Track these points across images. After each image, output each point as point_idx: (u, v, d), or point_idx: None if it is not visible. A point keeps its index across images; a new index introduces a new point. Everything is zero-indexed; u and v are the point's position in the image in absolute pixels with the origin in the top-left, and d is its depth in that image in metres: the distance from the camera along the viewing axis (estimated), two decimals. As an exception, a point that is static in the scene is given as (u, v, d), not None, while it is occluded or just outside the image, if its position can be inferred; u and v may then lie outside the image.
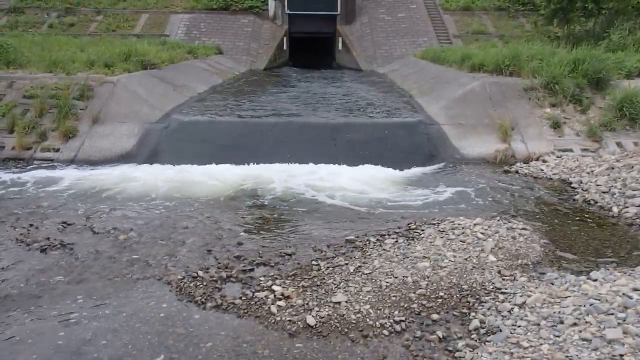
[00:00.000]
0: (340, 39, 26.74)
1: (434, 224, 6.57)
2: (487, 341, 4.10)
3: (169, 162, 9.60)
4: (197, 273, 5.37)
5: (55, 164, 9.60)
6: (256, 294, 4.95)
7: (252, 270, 5.46)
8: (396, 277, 5.10)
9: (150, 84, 12.70)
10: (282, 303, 4.77)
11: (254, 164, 9.47)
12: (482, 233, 6.07)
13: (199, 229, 6.60)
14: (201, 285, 5.14)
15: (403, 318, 4.52)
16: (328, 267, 5.43)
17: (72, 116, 10.53)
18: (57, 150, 9.97)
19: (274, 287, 5.04)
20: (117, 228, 6.55)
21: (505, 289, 4.88)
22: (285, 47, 26.81)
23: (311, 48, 29.73)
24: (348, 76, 20.83)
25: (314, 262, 5.58)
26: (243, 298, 4.90)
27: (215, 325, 4.51)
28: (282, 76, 20.97)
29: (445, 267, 5.29)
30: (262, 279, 5.25)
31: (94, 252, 5.92)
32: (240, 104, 12.94)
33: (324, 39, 28.62)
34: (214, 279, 5.26)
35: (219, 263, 5.61)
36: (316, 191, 8.17)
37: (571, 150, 10.02)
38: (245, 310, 4.71)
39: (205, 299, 4.89)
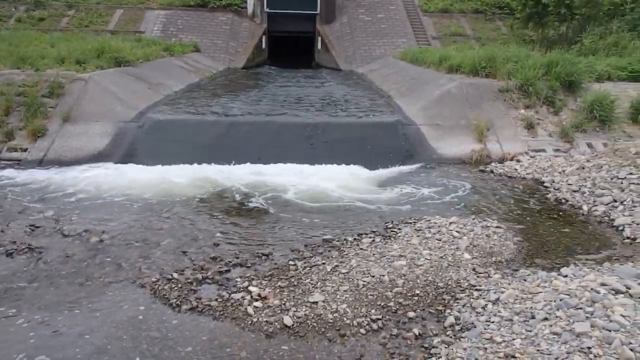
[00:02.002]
0: (319, 38, 26.80)
1: (411, 223, 6.66)
2: (462, 337, 4.19)
3: (143, 162, 9.53)
4: (172, 275, 5.33)
5: (23, 164, 9.39)
6: (232, 295, 4.95)
7: (228, 271, 5.46)
8: (373, 276, 5.16)
9: (125, 81, 12.55)
10: (259, 304, 4.78)
11: (230, 163, 9.45)
12: (457, 231, 6.20)
13: (174, 230, 6.56)
14: (176, 288, 5.10)
15: (380, 316, 4.58)
16: (305, 267, 5.46)
17: (41, 114, 10.28)
18: (25, 150, 9.72)
19: (251, 288, 5.04)
20: (88, 230, 6.46)
21: (480, 286, 4.99)
22: (264, 46, 26.75)
23: (290, 47, 29.72)
24: (327, 76, 20.87)
25: (291, 262, 5.61)
26: (219, 300, 4.89)
27: (190, 327, 4.49)
28: (261, 75, 20.92)
29: (421, 265, 5.38)
30: (238, 280, 5.25)
31: (64, 255, 5.81)
32: (218, 103, 12.86)
33: (304, 38, 28.63)
34: (189, 280, 5.23)
35: (195, 265, 5.59)
36: (294, 191, 8.20)
37: (544, 151, 10.26)
38: (222, 312, 4.70)
39: (180, 302, 4.86)
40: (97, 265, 5.59)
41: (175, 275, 5.34)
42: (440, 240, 5.98)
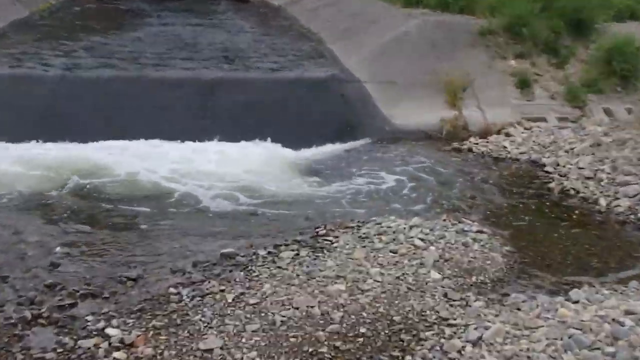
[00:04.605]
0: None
1: (353, 227, 6.65)
2: (429, 397, 4.21)
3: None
4: (-17, 314, 5.09)
5: None
6: (80, 342, 4.77)
7: (73, 305, 5.26)
8: (297, 308, 5.11)
9: None
10: (121, 355, 4.63)
11: (78, 140, 9.18)
12: (421, 239, 6.21)
13: (-13, 244, 6.28)
14: (-10, 333, 4.87)
15: (307, 369, 4.55)
16: (194, 297, 5.35)
17: None
18: None
19: (109, 331, 4.88)
20: None
21: (454, 319, 5.02)
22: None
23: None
24: (227, 10, 20.63)
25: (172, 290, 5.47)
26: (59, 350, 4.69)
27: (13, 394, 4.30)
28: (126, 7, 20.38)
29: (368, 290, 5.36)
30: (89, 318, 5.07)
31: None
32: (61, 50, 12.41)
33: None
34: (12, 321, 5.00)
35: (21, 296, 5.35)
36: (178, 182, 8.10)
37: (544, 120, 10.54)
38: (63, 369, 4.53)
39: (-4, 355, 4.64)
40: None
41: (-12, 314, 5.10)
42: (396, 252, 5.99)
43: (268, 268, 5.81)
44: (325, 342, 4.78)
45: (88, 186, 7.93)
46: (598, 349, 4.20)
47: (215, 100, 10.25)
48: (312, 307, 5.13)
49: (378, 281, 5.50)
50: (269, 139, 9.60)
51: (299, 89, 10.63)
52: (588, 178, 8.27)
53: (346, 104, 10.62)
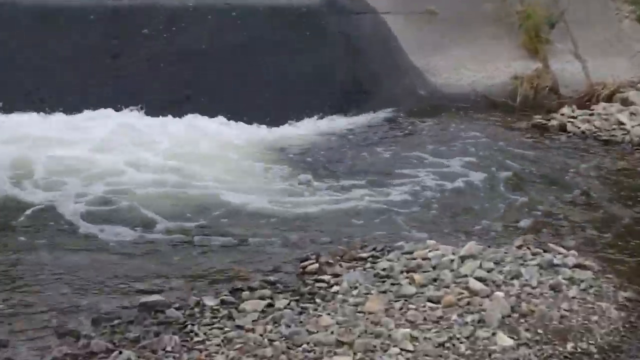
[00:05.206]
0: None
1: (365, 259, 6.63)
2: None
3: None
4: None
5: None
6: None
7: None
8: (270, 399, 5.06)
9: None
10: None
11: None
12: (480, 279, 6.17)
13: None
14: None
15: None
16: (94, 379, 5.29)
17: None
18: None
19: None
20: None
21: (537, 416, 4.98)
22: None
23: None
24: None
25: (58, 367, 5.40)
26: None
27: None
28: None
29: (392, 367, 5.30)
30: None
31: None
32: None
33: None
34: None
35: None
36: (75, 183, 8.14)
37: (688, 80, 10.56)
38: None
39: None
40: None
41: None
42: (438, 302, 5.93)
43: (220, 328, 5.74)
44: None
45: None
46: None
47: (135, 44, 10.30)
48: (297, 397, 5.07)
49: (408, 351, 5.41)
50: (227, 110, 9.65)
51: (273, 26, 10.63)
52: None
53: (354, 50, 10.64)
